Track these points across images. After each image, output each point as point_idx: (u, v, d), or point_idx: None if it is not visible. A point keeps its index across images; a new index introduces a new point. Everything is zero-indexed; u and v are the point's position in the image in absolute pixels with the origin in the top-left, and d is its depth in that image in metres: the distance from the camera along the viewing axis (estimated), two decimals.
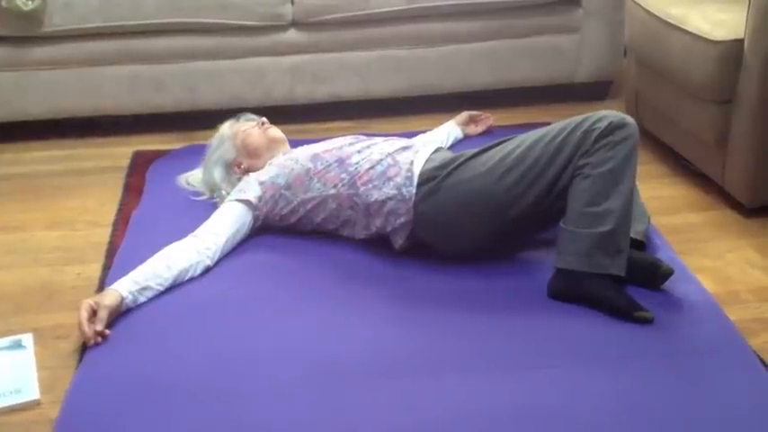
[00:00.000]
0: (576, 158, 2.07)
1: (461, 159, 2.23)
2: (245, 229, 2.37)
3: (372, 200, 2.26)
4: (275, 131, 2.59)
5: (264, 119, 2.63)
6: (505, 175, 2.13)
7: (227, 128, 2.63)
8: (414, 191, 2.22)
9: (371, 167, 2.29)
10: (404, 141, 2.43)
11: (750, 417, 1.74)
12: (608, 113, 2.10)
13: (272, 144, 2.54)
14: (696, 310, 2.07)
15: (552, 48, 3.40)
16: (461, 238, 2.23)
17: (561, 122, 2.14)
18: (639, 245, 2.21)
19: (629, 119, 2.09)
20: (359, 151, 2.36)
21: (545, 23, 3.37)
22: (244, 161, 2.53)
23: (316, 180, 2.35)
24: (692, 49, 2.61)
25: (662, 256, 2.24)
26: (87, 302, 2.00)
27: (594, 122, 2.08)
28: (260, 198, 2.38)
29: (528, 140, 2.15)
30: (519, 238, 2.32)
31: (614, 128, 2.06)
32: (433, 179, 2.22)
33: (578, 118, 2.12)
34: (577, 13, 3.38)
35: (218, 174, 2.55)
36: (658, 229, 2.42)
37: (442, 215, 2.21)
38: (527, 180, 2.12)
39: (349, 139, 2.49)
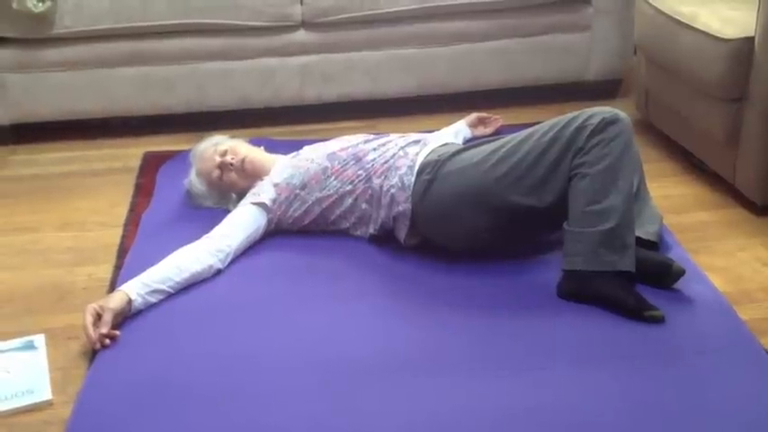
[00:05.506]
0: (569, 156, 2.08)
1: (454, 150, 2.26)
2: (258, 233, 2.37)
3: (384, 190, 2.27)
4: (250, 165, 2.46)
5: (225, 156, 2.46)
6: (496, 166, 2.14)
7: (197, 184, 2.54)
8: (413, 179, 2.24)
9: (386, 162, 2.32)
10: (417, 135, 2.45)
11: (762, 416, 1.73)
12: (600, 110, 2.10)
13: (257, 174, 2.46)
14: (707, 310, 2.07)
15: (562, 46, 3.39)
16: (457, 231, 2.23)
17: (553, 119, 2.15)
18: (652, 245, 2.21)
19: (622, 114, 2.10)
20: (374, 149, 2.38)
21: (555, 22, 3.36)
22: (247, 192, 2.46)
23: (333, 178, 2.35)
24: (703, 47, 2.60)
25: (673, 254, 2.24)
26: (92, 306, 2.00)
27: (586, 119, 2.08)
28: (274, 200, 2.38)
29: (520, 135, 2.18)
30: (523, 238, 2.32)
31: (606, 124, 2.06)
32: (430, 169, 2.23)
33: (570, 114, 2.13)
34: (587, 12, 3.37)
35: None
36: (669, 227, 2.41)
37: (437, 205, 2.21)
38: (517, 172, 2.12)
39: (361, 137, 2.49)
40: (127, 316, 2.05)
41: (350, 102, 3.37)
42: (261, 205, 2.37)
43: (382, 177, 2.30)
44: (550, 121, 2.15)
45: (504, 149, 2.16)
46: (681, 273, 2.11)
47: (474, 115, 3.03)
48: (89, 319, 1.98)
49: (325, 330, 2.03)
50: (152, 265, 2.15)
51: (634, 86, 3.29)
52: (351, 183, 2.34)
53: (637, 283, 2.09)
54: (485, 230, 2.21)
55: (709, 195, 2.70)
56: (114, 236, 2.54)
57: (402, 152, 2.33)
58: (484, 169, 2.16)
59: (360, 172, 2.34)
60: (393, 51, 3.32)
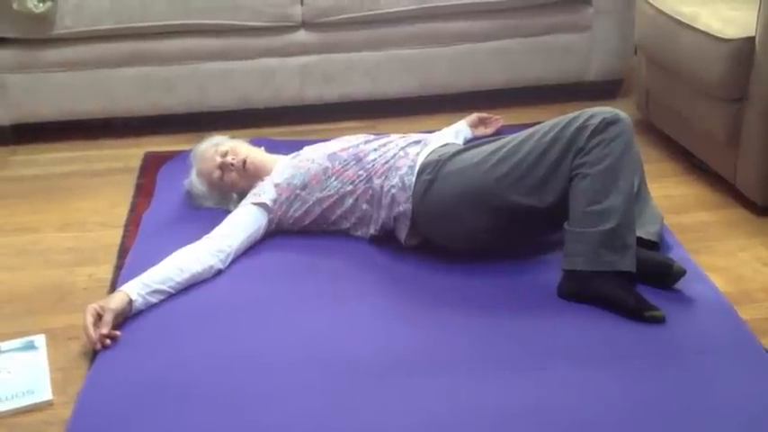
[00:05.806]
0: (570, 156, 2.08)
1: (455, 150, 2.26)
2: (259, 234, 2.37)
3: (384, 190, 2.27)
4: (251, 165, 2.47)
5: (226, 157, 2.47)
6: (496, 166, 2.15)
7: (198, 184, 2.54)
8: (413, 179, 2.24)
9: (386, 162, 2.32)
10: (418, 136, 2.45)
11: (762, 416, 1.73)
12: (601, 110, 2.11)
13: (258, 174, 2.46)
14: (708, 310, 2.07)
15: (563, 46, 3.40)
16: (458, 231, 2.23)
17: (554, 119, 2.16)
18: (653, 245, 2.21)
19: (623, 114, 2.10)
20: (375, 149, 2.39)
21: (556, 22, 3.36)
22: (247, 192, 2.46)
23: (333, 179, 2.36)
24: (703, 47, 2.60)
25: (674, 255, 2.24)
26: (92, 307, 2.00)
27: (587, 119, 2.09)
28: (275, 200, 2.38)
29: (521, 136, 2.18)
30: (523, 239, 2.32)
31: (607, 124, 2.07)
32: (431, 169, 2.23)
33: (571, 115, 2.13)
34: (588, 12, 3.37)
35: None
36: (670, 228, 2.41)
37: (438, 205, 2.21)
38: (518, 172, 2.12)
39: (362, 137, 2.50)
40: (127, 316, 2.05)
41: (350, 102, 3.37)
42: (262, 205, 2.37)
43: (383, 178, 2.30)
44: (551, 122, 2.15)
45: (504, 150, 2.16)
46: (681, 273, 2.11)
47: (475, 115, 3.03)
48: (89, 320, 1.98)
49: (326, 330, 2.03)
50: (153, 265, 2.15)
51: (635, 87, 3.29)
52: (351, 183, 2.34)
53: (637, 284, 2.09)
54: (485, 230, 2.21)
55: (710, 195, 2.70)
56: (115, 236, 2.54)
57: (403, 152, 2.34)
58: (484, 169, 2.16)
59: (360, 172, 2.34)
60: (393, 51, 3.32)
